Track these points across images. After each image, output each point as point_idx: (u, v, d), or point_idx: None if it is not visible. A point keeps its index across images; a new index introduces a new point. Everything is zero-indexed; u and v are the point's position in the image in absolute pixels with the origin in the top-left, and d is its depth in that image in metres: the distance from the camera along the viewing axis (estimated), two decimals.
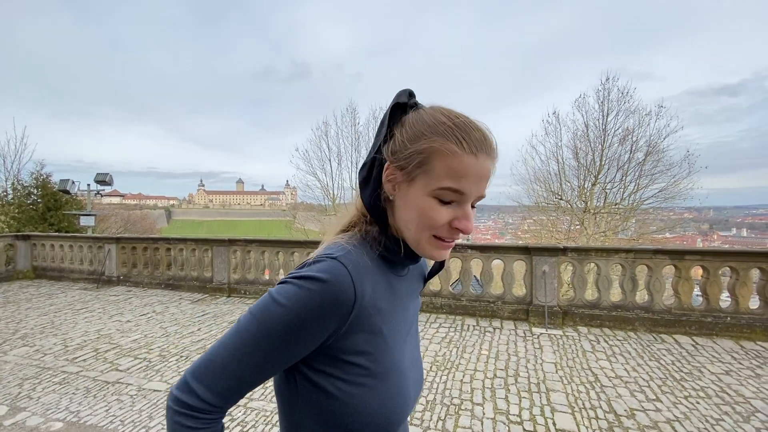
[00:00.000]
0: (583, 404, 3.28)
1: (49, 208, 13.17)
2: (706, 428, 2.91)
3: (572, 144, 15.18)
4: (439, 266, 0.79)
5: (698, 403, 3.28)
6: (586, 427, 2.94)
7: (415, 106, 0.68)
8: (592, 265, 5.59)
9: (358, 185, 0.71)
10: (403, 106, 0.67)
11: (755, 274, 4.93)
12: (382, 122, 0.67)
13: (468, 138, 0.61)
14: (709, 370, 3.90)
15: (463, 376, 3.80)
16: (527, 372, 3.91)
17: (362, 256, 0.66)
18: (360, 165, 0.71)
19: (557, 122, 15.40)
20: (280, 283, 0.62)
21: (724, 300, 5.04)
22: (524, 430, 2.91)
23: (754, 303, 4.93)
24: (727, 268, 5.02)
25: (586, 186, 15.00)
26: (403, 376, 0.70)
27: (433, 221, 0.63)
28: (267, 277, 7.21)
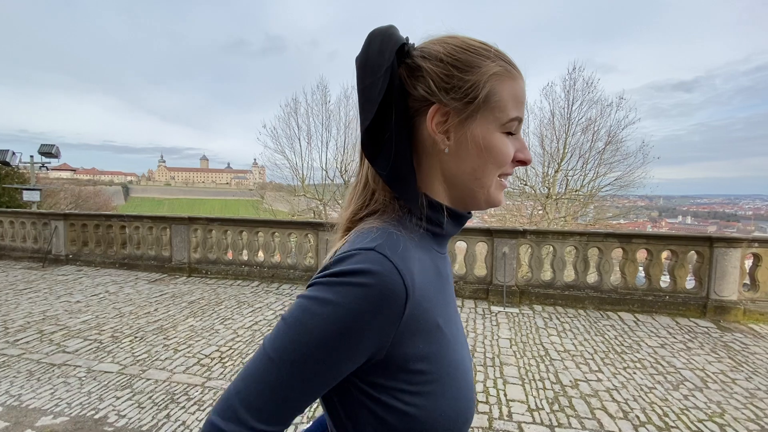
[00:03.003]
0: (533, 376, 3.48)
1: None
2: (640, 396, 3.18)
3: (538, 131, 15.63)
4: None
5: (635, 373, 3.57)
6: (534, 397, 3.13)
7: (412, 45, 0.57)
8: (549, 247, 5.85)
9: (364, 158, 0.58)
10: (403, 48, 0.54)
11: (692, 257, 5.36)
12: (379, 70, 0.52)
13: (510, 61, 0.56)
14: (647, 344, 4.24)
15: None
16: (484, 347, 4.09)
17: (404, 240, 0.53)
18: (362, 134, 0.55)
19: (526, 110, 15.73)
20: (311, 285, 0.50)
21: (664, 280, 5.45)
22: (477, 401, 3.07)
23: (689, 283, 5.37)
24: (668, 251, 5.42)
25: (549, 173, 15.56)
26: (467, 370, 0.59)
27: (507, 157, 0.56)
28: (230, 257, 7.03)
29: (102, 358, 3.69)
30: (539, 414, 2.90)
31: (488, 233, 5.84)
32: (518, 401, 3.07)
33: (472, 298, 5.78)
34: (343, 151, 16.31)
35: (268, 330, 4.47)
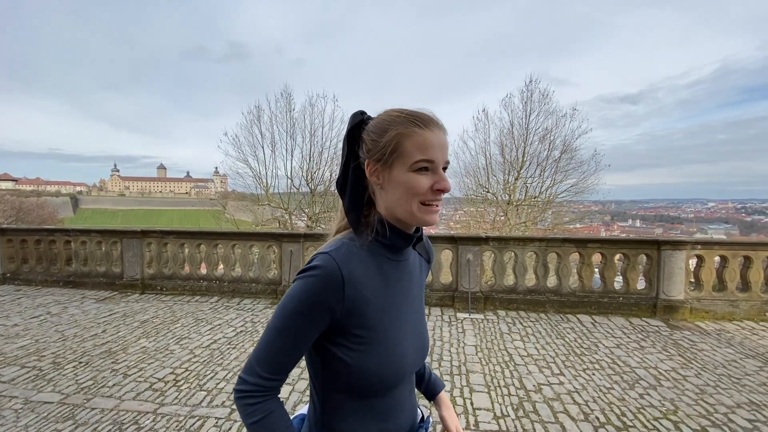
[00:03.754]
0: (498, 383, 3.52)
1: None
2: (599, 397, 3.28)
3: (499, 140, 16.17)
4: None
5: (594, 374, 3.69)
6: (500, 404, 3.16)
7: (368, 118, 0.83)
8: (511, 253, 6.01)
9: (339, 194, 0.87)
10: (359, 123, 0.82)
11: (642, 259, 5.68)
12: (345, 139, 0.83)
13: (420, 120, 0.78)
14: (604, 345, 4.41)
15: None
16: (450, 355, 4.10)
17: (352, 247, 0.80)
18: (337, 179, 0.87)
19: (486, 119, 16.24)
20: (294, 280, 0.79)
21: (618, 282, 5.74)
22: None
23: (641, 284, 5.68)
24: (621, 254, 5.72)
25: (509, 180, 16.10)
26: (398, 344, 0.84)
27: (418, 189, 0.77)
28: (187, 271, 6.68)
29: (41, 387, 3.36)
30: (505, 421, 2.92)
31: (452, 240, 5.91)
32: (484, 409, 3.08)
33: (439, 305, 5.81)
34: (309, 159, 16.08)
35: (228, 349, 4.25)
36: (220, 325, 5.00)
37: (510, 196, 16.01)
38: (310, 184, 16.17)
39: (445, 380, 3.55)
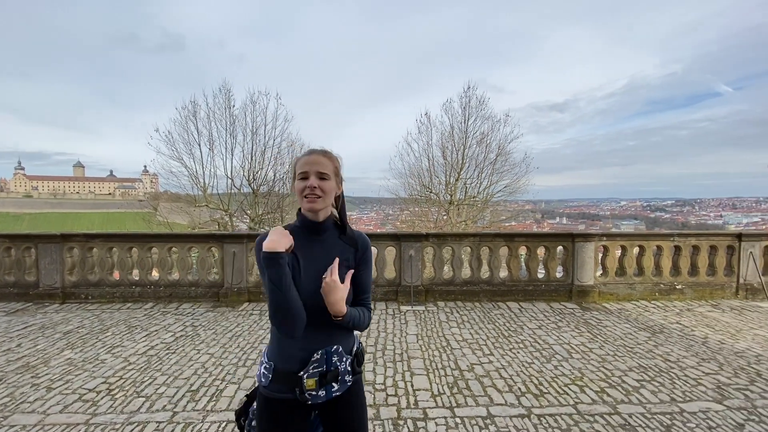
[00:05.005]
0: (436, 366, 3.83)
1: None
2: (522, 371, 3.72)
3: (440, 143, 16.94)
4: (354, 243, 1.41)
5: (518, 352, 4.15)
6: (437, 384, 3.45)
7: None
8: (449, 248, 6.44)
9: None
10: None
11: (560, 250, 6.40)
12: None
13: (307, 152, 1.34)
14: (528, 327, 4.94)
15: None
16: (393, 345, 4.35)
17: (291, 226, 1.35)
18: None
19: (429, 123, 16.95)
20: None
21: (541, 272, 6.41)
22: (387, 394, 3.27)
23: (559, 273, 6.40)
24: (543, 247, 6.39)
25: (451, 181, 16.95)
26: (306, 285, 1.25)
27: (299, 188, 1.28)
28: (116, 277, 6.25)
29: None
30: (441, 398, 3.21)
31: (396, 238, 6.20)
32: (423, 389, 3.35)
33: (384, 300, 6.06)
34: (251, 159, 15.57)
35: (167, 354, 4.12)
36: (157, 330, 4.79)
37: (451, 196, 16.86)
38: (252, 185, 15.68)
39: (388, 367, 3.78)
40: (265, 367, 1.30)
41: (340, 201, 1.38)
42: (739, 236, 6.23)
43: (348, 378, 1.32)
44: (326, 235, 1.35)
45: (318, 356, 1.26)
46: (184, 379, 3.54)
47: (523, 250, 6.41)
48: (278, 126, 15.55)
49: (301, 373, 1.23)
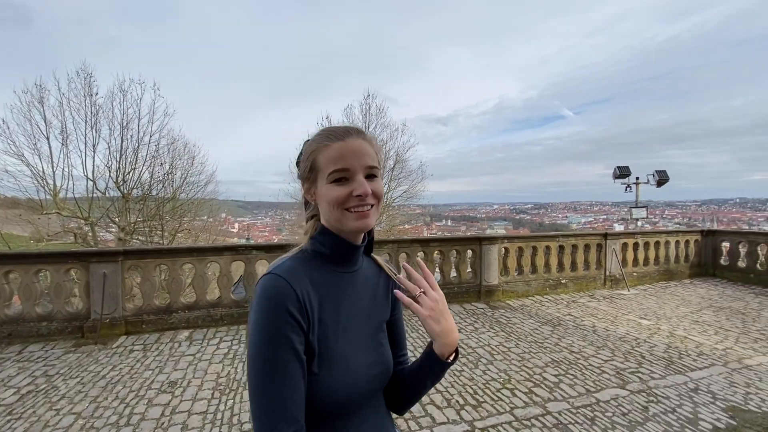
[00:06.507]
0: None
1: None
2: (455, 381, 3.67)
3: None
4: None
5: None
6: None
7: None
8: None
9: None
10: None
11: (469, 253, 6.74)
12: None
13: (333, 133, 0.81)
14: None
15: None
16: None
17: (294, 261, 0.80)
18: None
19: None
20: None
21: (453, 275, 6.65)
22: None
23: (469, 275, 6.73)
24: (455, 251, 6.65)
25: None
26: (350, 364, 0.79)
27: (336, 199, 0.78)
28: None
29: None
30: None
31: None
32: None
33: None
34: (120, 157, 13.05)
35: (10, 421, 2.98)
36: None
37: None
38: (121, 188, 13.17)
39: None
40: None
41: None
42: (605, 236, 7.42)
43: None
44: (360, 264, 0.90)
45: None
46: None
47: (437, 255, 6.56)
48: (156, 120, 13.35)
49: None
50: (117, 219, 13.48)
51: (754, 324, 5.25)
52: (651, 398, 3.30)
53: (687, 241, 8.20)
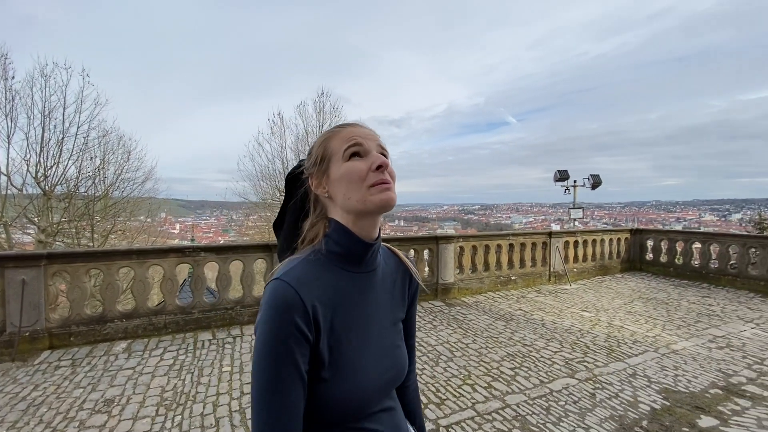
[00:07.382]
0: None
1: None
2: (417, 379, 3.67)
3: (295, 146, 16.29)
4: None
5: None
6: None
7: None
8: None
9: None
10: (298, 165, 0.89)
11: (427, 252, 6.84)
12: (285, 184, 0.89)
13: (343, 124, 0.84)
14: None
15: (204, 408, 3.18)
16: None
17: (304, 263, 0.76)
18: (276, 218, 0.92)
19: (282, 123, 16.09)
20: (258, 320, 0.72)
21: None
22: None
23: (427, 273, 6.82)
24: (413, 249, 6.70)
25: None
26: (361, 371, 0.76)
27: (356, 173, 0.76)
28: None
29: None
30: None
31: (267, 249, 5.47)
32: None
33: (252, 322, 5.26)
34: (41, 150, 11.62)
35: None
36: None
37: None
38: (42, 184, 11.74)
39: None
40: None
41: None
42: (550, 234, 7.90)
43: None
44: (377, 262, 0.85)
45: None
46: None
47: None
48: (85, 110, 12.06)
49: None
50: (36, 219, 12.00)
51: (676, 312, 5.85)
52: (597, 385, 3.54)
53: (619, 239, 8.98)
